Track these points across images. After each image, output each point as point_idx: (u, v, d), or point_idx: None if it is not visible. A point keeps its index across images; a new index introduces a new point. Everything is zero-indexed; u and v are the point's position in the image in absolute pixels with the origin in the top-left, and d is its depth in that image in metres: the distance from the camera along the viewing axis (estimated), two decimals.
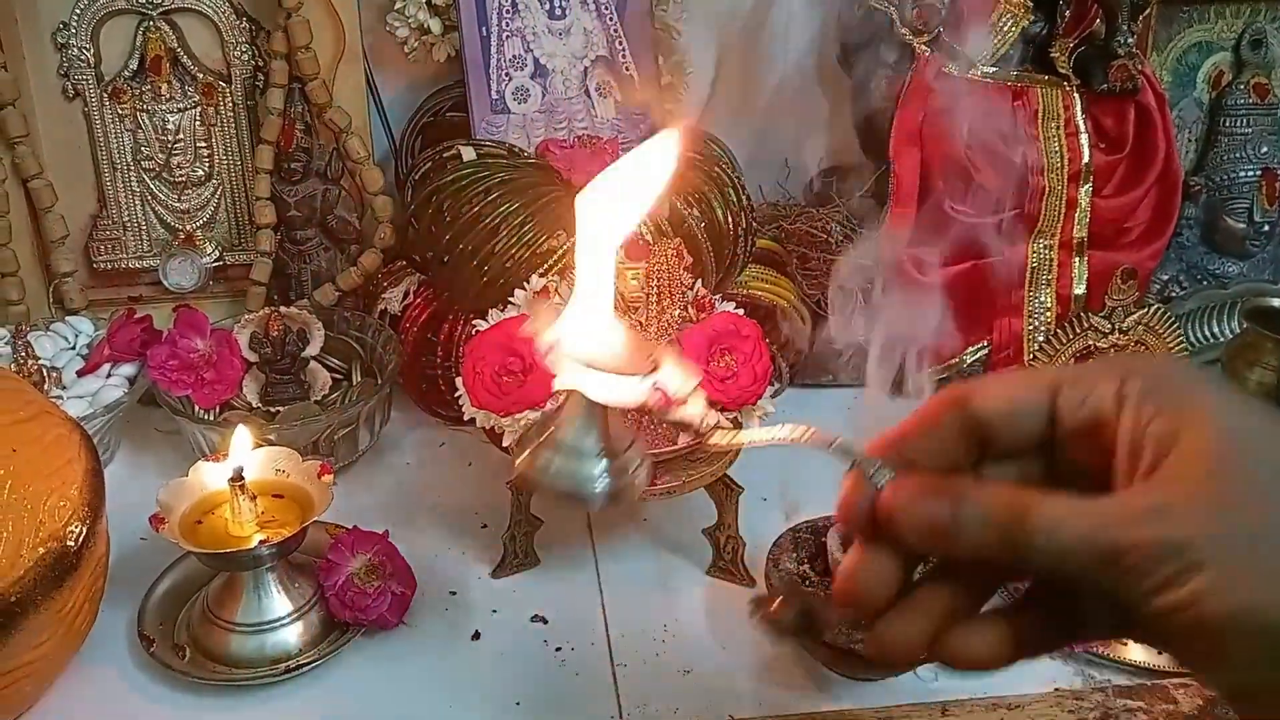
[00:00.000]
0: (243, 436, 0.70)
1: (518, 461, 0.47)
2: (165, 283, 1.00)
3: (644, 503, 0.72)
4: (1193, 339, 1.04)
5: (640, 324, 0.71)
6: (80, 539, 0.62)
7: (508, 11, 0.92)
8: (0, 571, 0.58)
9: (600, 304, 0.45)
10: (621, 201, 0.43)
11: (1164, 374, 0.35)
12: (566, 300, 0.46)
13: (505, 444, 0.71)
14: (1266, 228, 1.08)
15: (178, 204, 1.01)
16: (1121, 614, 0.33)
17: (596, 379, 0.43)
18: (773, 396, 0.75)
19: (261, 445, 0.72)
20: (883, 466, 0.37)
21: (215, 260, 1.02)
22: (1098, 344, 0.77)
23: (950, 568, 0.38)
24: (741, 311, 0.75)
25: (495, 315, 0.74)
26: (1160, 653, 0.54)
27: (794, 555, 0.70)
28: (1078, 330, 0.76)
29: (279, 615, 0.69)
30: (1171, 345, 0.79)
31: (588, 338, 0.45)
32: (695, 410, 0.42)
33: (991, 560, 0.35)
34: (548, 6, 0.93)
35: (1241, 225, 1.08)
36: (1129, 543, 0.32)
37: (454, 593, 0.75)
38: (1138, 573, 0.32)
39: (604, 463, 0.46)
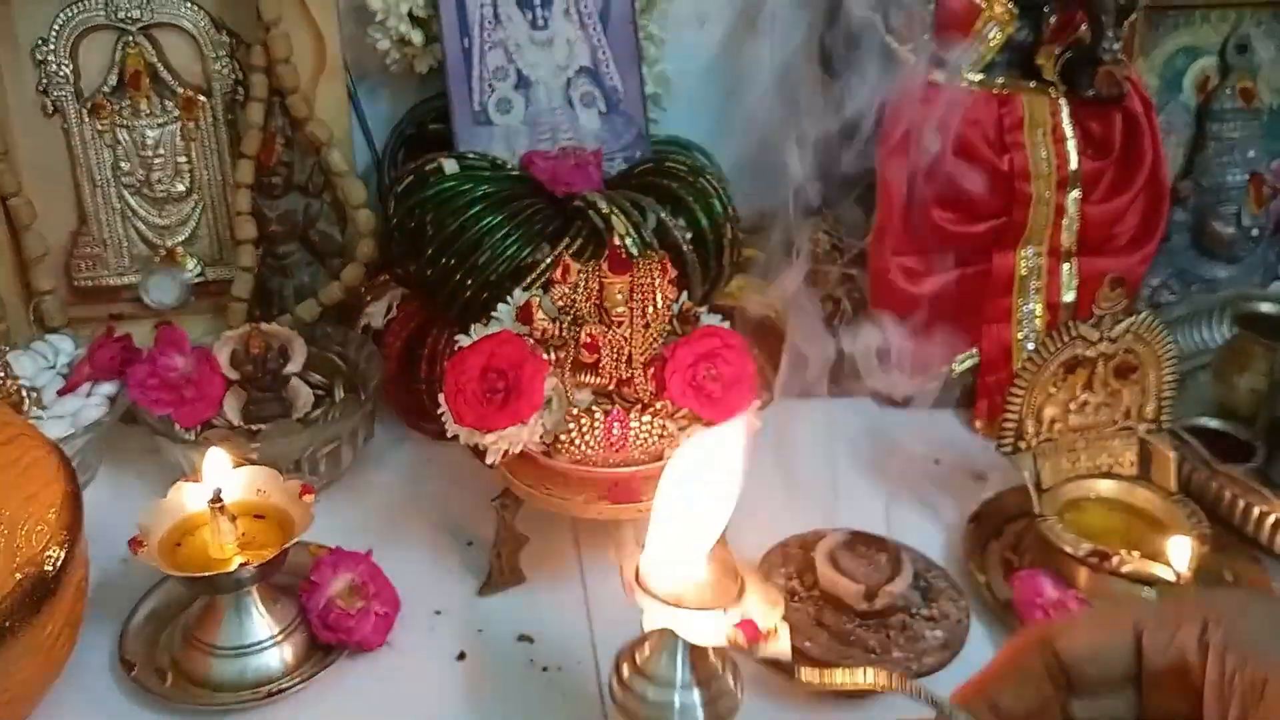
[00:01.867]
0: (217, 458, 0.69)
1: (613, 686, 0.51)
2: (146, 299, 0.99)
3: (631, 516, 0.71)
4: (1182, 344, 1.03)
5: (625, 339, 0.70)
6: (58, 564, 0.61)
7: (490, 23, 0.91)
8: None
9: (684, 540, 0.48)
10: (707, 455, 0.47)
11: (1245, 621, 0.36)
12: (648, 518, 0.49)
13: (489, 461, 0.71)
14: (1255, 231, 1.08)
15: (158, 220, 1.00)
16: None
17: (684, 618, 0.46)
18: (760, 409, 0.74)
19: (241, 465, 0.71)
20: (969, 717, 0.38)
21: (196, 276, 1.01)
22: (1085, 353, 0.76)
23: None
24: (728, 324, 0.75)
25: (477, 330, 0.73)
26: None
27: (782, 570, 0.69)
28: (1065, 339, 0.76)
29: (260, 638, 0.68)
30: (1161, 352, 0.78)
31: (671, 572, 0.48)
32: (783, 647, 0.45)
33: None
34: (530, 17, 0.92)
35: (1230, 229, 1.08)
36: None
37: (439, 612, 0.74)
38: None
39: (696, 692, 0.49)
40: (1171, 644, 0.36)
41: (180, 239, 1.01)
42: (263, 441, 0.82)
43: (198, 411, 0.83)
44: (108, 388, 0.87)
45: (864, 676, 0.42)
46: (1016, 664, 0.39)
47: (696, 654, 0.50)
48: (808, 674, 0.44)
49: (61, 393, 0.86)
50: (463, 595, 0.76)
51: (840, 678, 0.43)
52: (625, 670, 0.51)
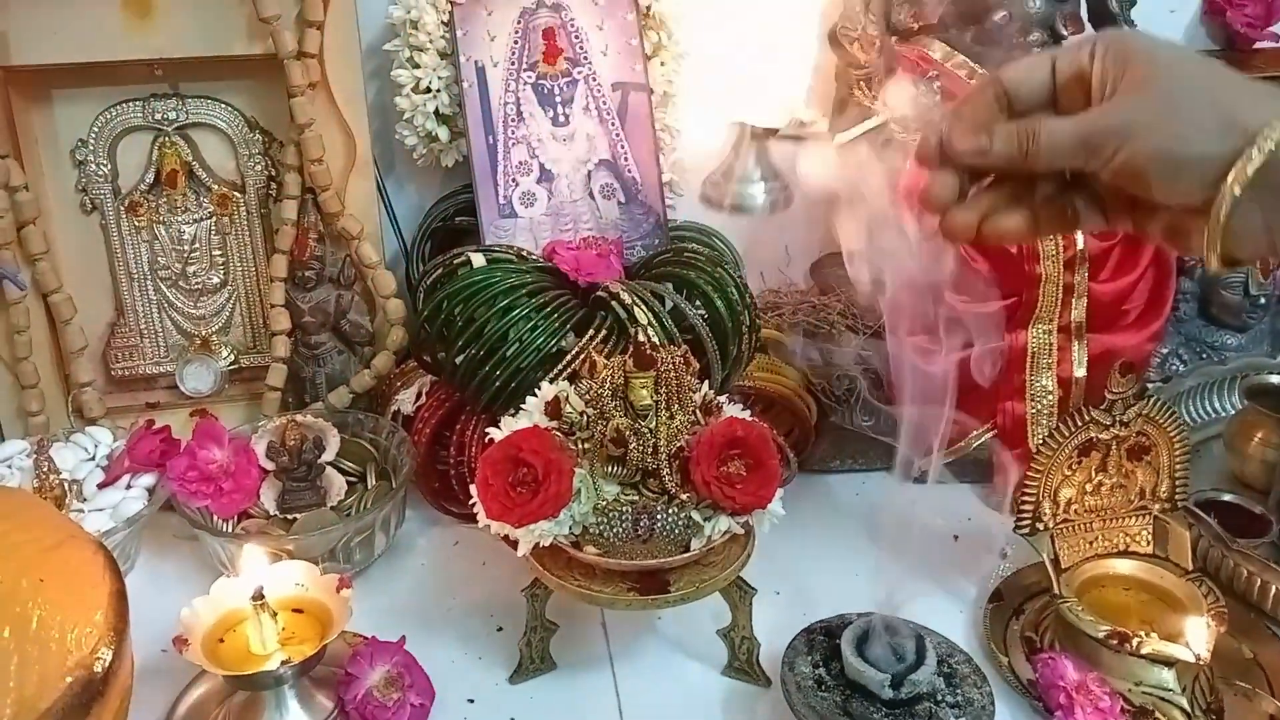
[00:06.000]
0: (254, 555, 0.72)
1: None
2: (182, 388, 1.02)
3: (659, 607, 0.73)
4: (1193, 415, 1.05)
5: (651, 432, 0.72)
6: (107, 664, 0.62)
7: (513, 120, 0.94)
8: (29, 704, 0.58)
9: None
10: None
11: (1118, 35, 0.53)
12: None
13: (520, 553, 0.73)
14: (1262, 300, 1.10)
15: (194, 310, 1.03)
16: (1098, 197, 0.55)
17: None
18: (784, 484, 0.76)
19: (279, 559, 0.73)
20: (944, 120, 0.55)
21: (231, 364, 1.04)
22: (1100, 435, 0.78)
23: (995, 183, 0.56)
24: (749, 414, 0.77)
25: (507, 423, 0.75)
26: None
27: (808, 658, 0.71)
28: (1079, 423, 0.78)
29: None
30: (1172, 435, 0.80)
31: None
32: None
33: (1016, 168, 0.53)
34: (551, 114, 0.95)
35: (1237, 298, 1.10)
36: (1094, 131, 0.51)
37: (472, 700, 0.76)
38: (1100, 148, 0.50)
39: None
40: (1073, 60, 0.53)
41: (215, 329, 1.04)
42: (298, 532, 0.84)
43: (235, 502, 0.85)
44: (147, 479, 0.89)
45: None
46: (976, 92, 0.55)
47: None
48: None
49: (102, 485, 0.88)
50: (494, 682, 0.77)
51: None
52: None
